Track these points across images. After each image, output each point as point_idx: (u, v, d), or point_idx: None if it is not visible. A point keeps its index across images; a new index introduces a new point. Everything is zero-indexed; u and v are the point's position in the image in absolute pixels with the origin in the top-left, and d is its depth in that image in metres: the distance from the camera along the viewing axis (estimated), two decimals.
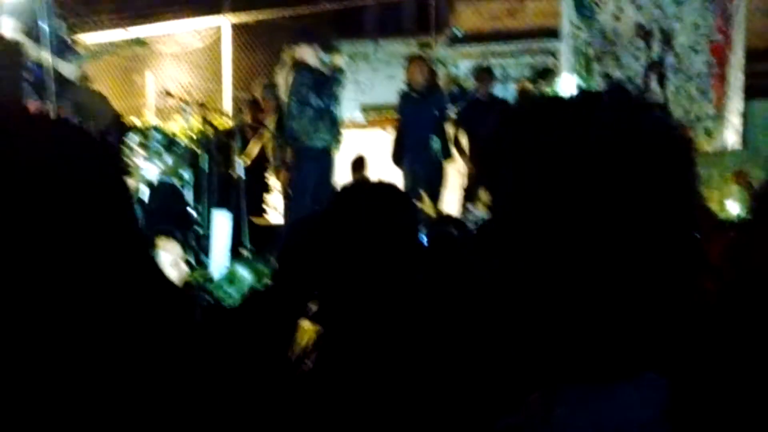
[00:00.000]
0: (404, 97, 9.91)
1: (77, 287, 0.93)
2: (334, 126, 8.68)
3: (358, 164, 11.32)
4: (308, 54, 8.55)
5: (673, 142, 1.10)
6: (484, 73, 10.95)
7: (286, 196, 9.19)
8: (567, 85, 10.81)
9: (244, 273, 6.64)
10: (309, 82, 8.40)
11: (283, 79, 8.65)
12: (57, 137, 1.01)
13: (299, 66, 8.49)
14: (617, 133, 1.06)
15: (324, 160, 8.73)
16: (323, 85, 8.45)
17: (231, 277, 7.33)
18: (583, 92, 1.20)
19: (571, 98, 1.15)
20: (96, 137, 1.07)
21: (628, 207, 1.04)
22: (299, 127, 8.39)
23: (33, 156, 0.95)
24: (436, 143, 9.59)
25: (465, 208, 9.06)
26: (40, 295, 0.90)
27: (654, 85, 11.58)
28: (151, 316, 1.02)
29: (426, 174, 9.48)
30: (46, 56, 7.01)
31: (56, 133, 1.02)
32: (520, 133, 1.12)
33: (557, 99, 1.17)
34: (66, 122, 1.06)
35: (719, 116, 11.23)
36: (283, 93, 8.63)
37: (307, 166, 8.54)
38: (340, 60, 8.91)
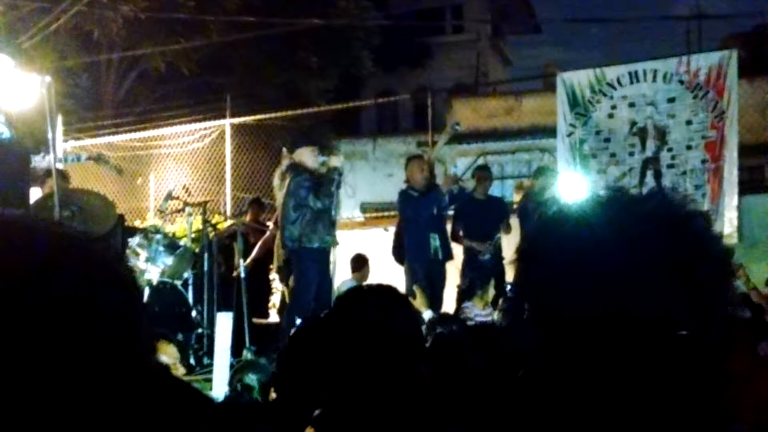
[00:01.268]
0: (403, 195, 9.97)
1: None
2: (331, 226, 8.75)
3: (359, 263, 11.34)
4: (306, 156, 8.66)
5: (715, 253, 1.13)
6: (481, 172, 11.06)
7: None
8: (568, 183, 10.91)
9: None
10: (307, 184, 8.47)
11: (280, 181, 8.73)
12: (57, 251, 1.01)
13: (297, 168, 8.57)
14: (663, 244, 1.10)
15: (323, 261, 8.80)
16: (321, 186, 8.52)
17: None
18: (625, 197, 1.20)
19: (614, 205, 1.17)
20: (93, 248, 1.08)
21: (670, 318, 1.07)
22: (298, 230, 8.45)
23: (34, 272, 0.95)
24: (434, 241, 9.63)
25: (463, 306, 9.06)
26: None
27: (649, 180, 11.72)
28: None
29: (425, 271, 9.51)
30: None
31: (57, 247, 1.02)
32: (565, 240, 1.15)
33: (598, 203, 1.19)
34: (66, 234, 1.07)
35: (715, 211, 11.32)
36: (279, 194, 8.70)
37: (307, 267, 8.58)
38: (337, 160, 8.99)
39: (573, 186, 10.72)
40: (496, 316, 8.02)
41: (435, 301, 9.29)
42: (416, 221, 9.69)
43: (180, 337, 8.52)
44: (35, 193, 8.50)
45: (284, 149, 8.92)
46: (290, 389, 3.21)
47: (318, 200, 8.43)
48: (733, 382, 1.15)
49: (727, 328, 1.12)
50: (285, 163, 8.73)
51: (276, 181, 8.90)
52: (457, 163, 15.66)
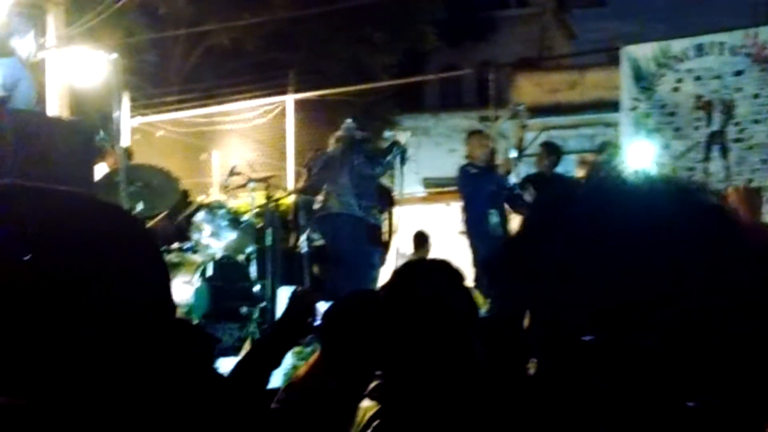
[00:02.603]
0: (463, 171, 9.91)
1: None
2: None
3: (421, 240, 11.35)
4: (355, 129, 8.98)
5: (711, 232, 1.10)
6: (547, 148, 10.92)
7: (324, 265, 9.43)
8: (634, 152, 10.81)
9: None
10: (365, 152, 8.82)
11: (335, 143, 8.99)
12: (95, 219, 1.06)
13: (353, 140, 8.80)
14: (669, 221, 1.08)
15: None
16: (376, 155, 8.80)
17: None
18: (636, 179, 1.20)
19: (619, 183, 1.18)
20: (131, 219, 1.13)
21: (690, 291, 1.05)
22: (364, 205, 8.65)
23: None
24: (494, 217, 9.55)
25: None
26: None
27: (715, 155, 11.52)
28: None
29: (486, 248, 9.45)
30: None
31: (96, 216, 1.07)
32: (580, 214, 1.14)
33: (610, 183, 1.19)
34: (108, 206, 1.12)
35: None
36: (335, 166, 8.91)
37: (363, 240, 8.82)
38: (403, 136, 9.18)
39: (639, 155, 10.61)
40: None
41: None
42: (475, 198, 9.66)
43: (243, 311, 8.64)
44: (101, 169, 8.67)
45: (349, 120, 9.11)
46: (335, 362, 3.25)
47: (370, 166, 8.65)
48: None
49: None
50: (340, 134, 8.97)
51: (330, 143, 9.12)
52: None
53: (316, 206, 9.07)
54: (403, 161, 8.96)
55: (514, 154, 9.81)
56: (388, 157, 8.93)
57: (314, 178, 9.26)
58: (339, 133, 9.04)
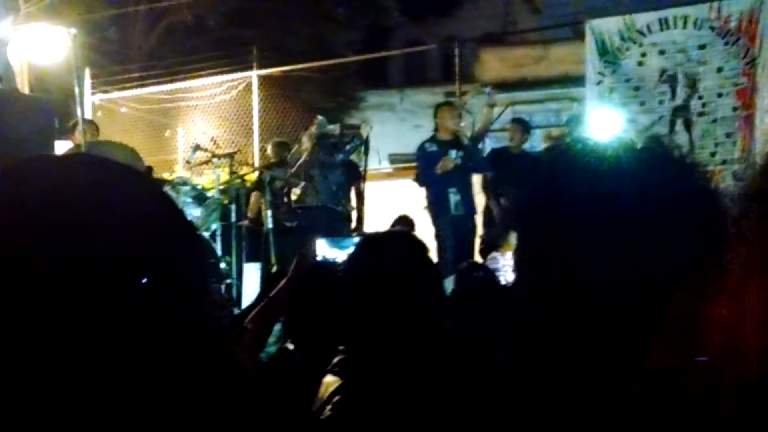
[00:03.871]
0: (421, 150, 9.79)
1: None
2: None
3: (398, 221, 11.25)
4: (326, 124, 9.41)
5: (707, 199, 1.14)
6: (515, 124, 10.91)
7: None
8: (599, 121, 10.88)
9: None
10: (329, 143, 9.27)
11: (308, 141, 9.20)
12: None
13: (321, 136, 9.07)
14: (654, 191, 1.12)
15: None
16: (341, 144, 9.38)
17: None
18: (618, 148, 1.19)
19: (607, 154, 1.17)
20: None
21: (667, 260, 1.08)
22: (333, 196, 8.90)
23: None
24: (454, 195, 9.45)
25: (489, 257, 8.99)
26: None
27: (680, 129, 11.57)
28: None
29: (450, 227, 9.40)
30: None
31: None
32: (560, 193, 1.17)
33: (591, 154, 1.20)
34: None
35: (746, 159, 11.16)
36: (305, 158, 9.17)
37: (338, 227, 9.01)
38: (364, 129, 9.58)
39: (605, 124, 10.67)
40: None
41: (463, 255, 9.23)
42: (432, 177, 9.58)
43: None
44: (66, 146, 8.57)
45: (319, 117, 9.51)
46: (303, 337, 3.23)
47: (331, 154, 9.23)
48: None
49: None
50: (314, 130, 9.23)
51: (304, 140, 9.33)
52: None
53: (293, 197, 9.27)
54: (366, 152, 9.39)
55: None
56: (348, 147, 9.45)
57: (292, 172, 9.53)
58: (312, 129, 9.33)
